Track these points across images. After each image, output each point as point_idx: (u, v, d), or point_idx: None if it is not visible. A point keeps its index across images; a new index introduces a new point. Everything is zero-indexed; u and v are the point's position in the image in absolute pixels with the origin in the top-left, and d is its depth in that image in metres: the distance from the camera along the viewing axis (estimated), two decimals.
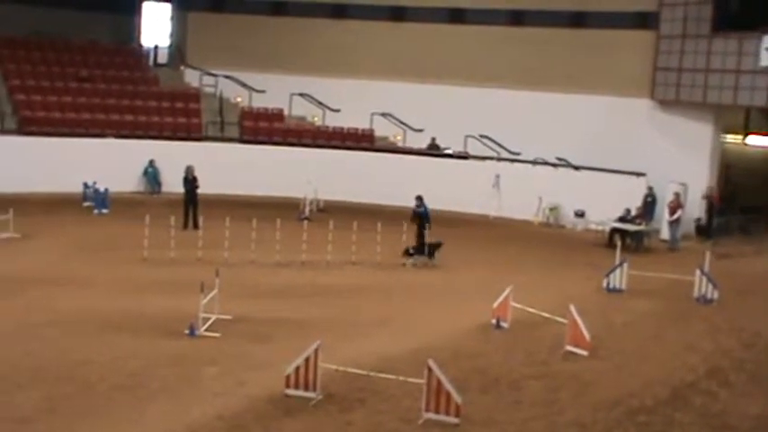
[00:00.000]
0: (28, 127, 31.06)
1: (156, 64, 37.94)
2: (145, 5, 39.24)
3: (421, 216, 24.22)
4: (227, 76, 35.17)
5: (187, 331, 15.76)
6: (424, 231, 23.64)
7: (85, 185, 28.93)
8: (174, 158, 29.55)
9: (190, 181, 26.25)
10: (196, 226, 24.13)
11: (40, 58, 34.31)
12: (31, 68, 33.54)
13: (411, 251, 23.08)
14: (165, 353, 14.76)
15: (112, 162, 30.12)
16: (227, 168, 30.58)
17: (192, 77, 36.56)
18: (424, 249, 23.13)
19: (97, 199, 28.10)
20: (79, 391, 12.96)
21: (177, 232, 22.66)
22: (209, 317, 16.30)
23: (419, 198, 24.58)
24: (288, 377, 13.07)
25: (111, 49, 36.47)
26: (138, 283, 19.48)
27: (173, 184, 28.93)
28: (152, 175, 31.19)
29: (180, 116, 33.88)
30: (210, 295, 16.31)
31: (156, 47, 38.64)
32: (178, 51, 38.00)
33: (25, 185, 28.54)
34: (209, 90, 35.63)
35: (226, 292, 16.90)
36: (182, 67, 37.32)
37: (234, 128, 34.18)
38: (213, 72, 35.47)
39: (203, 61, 36.08)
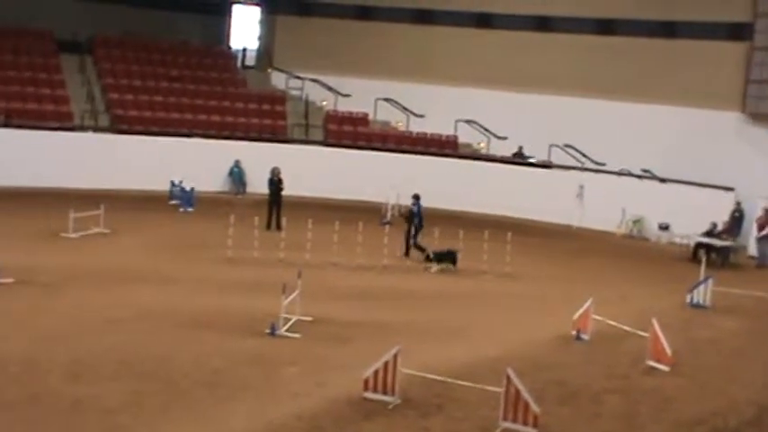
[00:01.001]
0: (120, 125, 31.83)
1: (244, 66, 38.55)
2: (235, 8, 39.88)
3: (412, 214, 23.99)
4: (313, 80, 35.57)
5: (268, 331, 15.94)
6: (412, 230, 23.58)
7: (172, 184, 29.50)
8: (258, 160, 29.99)
9: (275, 182, 26.55)
10: (279, 227, 24.41)
11: (133, 58, 35.13)
12: (124, 68, 34.37)
13: (431, 256, 22.75)
14: (246, 352, 14.95)
15: (199, 161, 30.65)
16: (310, 171, 30.86)
17: (278, 80, 37.05)
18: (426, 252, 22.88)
19: (183, 197, 28.64)
20: (163, 386, 13.20)
21: (260, 233, 22.95)
22: (290, 317, 16.46)
23: (416, 197, 24.29)
24: (366, 380, 13.14)
25: (201, 51, 37.21)
26: (221, 281, 19.77)
27: (257, 184, 29.36)
28: (237, 175, 31.68)
29: (266, 118, 34.35)
30: (292, 296, 16.48)
31: (244, 49, 39.25)
32: (266, 54, 38.52)
33: (116, 182, 29.30)
34: (295, 93, 36.05)
35: (307, 294, 17.04)
36: (269, 70, 37.84)
37: (318, 131, 34.53)
38: (299, 75, 35.86)
39: (290, 64, 36.52)
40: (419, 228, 23.78)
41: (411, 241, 23.68)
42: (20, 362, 13.61)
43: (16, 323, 15.65)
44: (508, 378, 12.34)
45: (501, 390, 12.43)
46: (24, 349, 14.20)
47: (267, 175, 26.86)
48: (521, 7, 34.91)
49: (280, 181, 26.56)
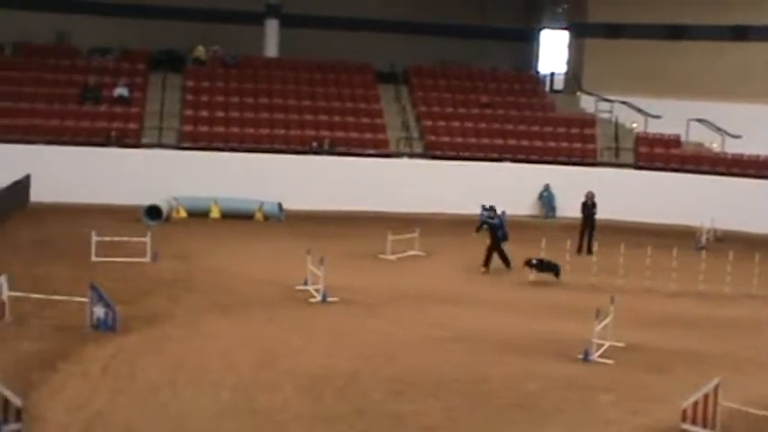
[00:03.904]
0: (433, 151, 33.04)
1: (552, 90, 38.78)
2: (543, 33, 40.23)
3: (495, 227, 23.22)
4: (622, 102, 35.13)
5: (581, 356, 15.92)
6: (497, 243, 22.98)
7: (483, 208, 30.06)
8: (568, 183, 30.01)
9: (588, 206, 26.43)
10: (590, 251, 24.29)
11: (445, 86, 36.38)
12: (436, 95, 35.66)
13: (534, 262, 21.75)
14: (558, 376, 15.00)
15: (509, 186, 31.05)
16: (621, 194, 30.42)
17: (587, 103, 36.90)
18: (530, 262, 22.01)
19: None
20: (477, 405, 13.52)
21: (571, 256, 22.99)
22: (603, 343, 16.35)
23: (492, 209, 23.75)
24: (684, 411, 12.81)
25: (510, 76, 37.83)
26: (530, 304, 19.96)
27: (566, 208, 29.36)
28: (547, 199, 31.85)
29: (575, 141, 34.31)
30: (605, 322, 16.36)
31: (552, 73, 39.51)
32: (574, 77, 38.51)
33: (429, 206, 30.39)
34: (604, 116, 35.73)
35: (618, 319, 16.83)
36: (577, 93, 37.78)
37: (629, 154, 33.99)
38: (608, 98, 35.50)
39: (599, 87, 36.28)
40: (502, 239, 23.35)
41: (499, 252, 23.30)
42: (345, 376, 14.45)
43: (341, 340, 16.63)
44: None
45: None
46: (348, 365, 15.07)
47: (580, 199, 26.79)
48: None
49: (593, 205, 26.40)
